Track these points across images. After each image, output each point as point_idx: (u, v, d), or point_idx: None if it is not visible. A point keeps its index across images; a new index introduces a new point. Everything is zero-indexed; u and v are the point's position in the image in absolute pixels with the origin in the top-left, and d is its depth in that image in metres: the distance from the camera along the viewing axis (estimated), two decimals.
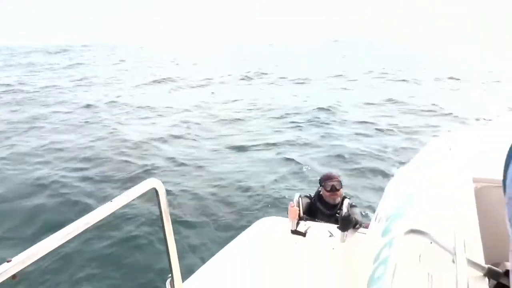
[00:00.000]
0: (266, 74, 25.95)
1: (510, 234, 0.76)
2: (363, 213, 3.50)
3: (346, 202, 3.30)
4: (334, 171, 4.31)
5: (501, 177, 1.01)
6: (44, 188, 7.49)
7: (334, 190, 3.71)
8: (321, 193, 3.81)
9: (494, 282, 1.04)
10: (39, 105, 16.04)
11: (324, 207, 3.76)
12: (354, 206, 3.73)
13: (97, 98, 17.25)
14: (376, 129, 11.45)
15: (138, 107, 15.42)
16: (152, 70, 29.39)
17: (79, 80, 24.07)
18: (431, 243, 1.13)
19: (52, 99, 17.49)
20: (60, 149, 9.92)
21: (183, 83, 22.13)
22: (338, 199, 3.74)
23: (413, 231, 1.15)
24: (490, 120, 11.03)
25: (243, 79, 24.17)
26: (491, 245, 1.24)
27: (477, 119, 11.74)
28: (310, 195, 3.93)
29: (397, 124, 11.89)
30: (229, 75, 25.67)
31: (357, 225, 3.29)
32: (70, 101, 16.83)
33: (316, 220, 3.62)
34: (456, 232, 1.12)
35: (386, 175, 7.58)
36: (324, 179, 3.80)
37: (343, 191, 3.80)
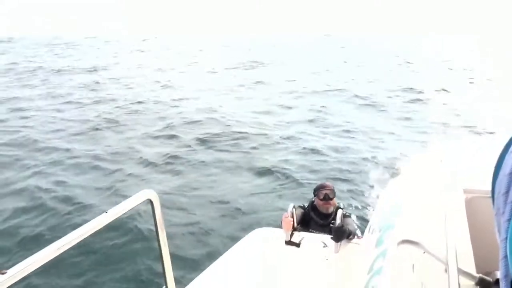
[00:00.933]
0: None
1: (499, 244, 0.78)
2: (358, 224, 3.52)
3: (339, 212, 3.31)
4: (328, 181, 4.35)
5: (490, 188, 1.04)
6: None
7: (327, 199, 3.73)
8: (314, 203, 3.83)
9: None
10: None
11: (317, 216, 3.77)
12: (348, 215, 3.72)
13: None
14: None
15: None
16: None
17: None
18: (423, 253, 1.15)
19: None
20: None
21: None
22: (332, 209, 3.76)
23: (405, 241, 1.17)
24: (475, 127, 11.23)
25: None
26: (482, 255, 1.26)
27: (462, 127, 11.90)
28: (304, 205, 3.95)
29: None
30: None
31: (351, 236, 3.31)
32: None
33: (310, 230, 3.63)
34: (448, 242, 1.14)
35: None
36: (318, 188, 3.83)
37: (336, 201, 3.82)
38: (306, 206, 3.92)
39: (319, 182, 4.12)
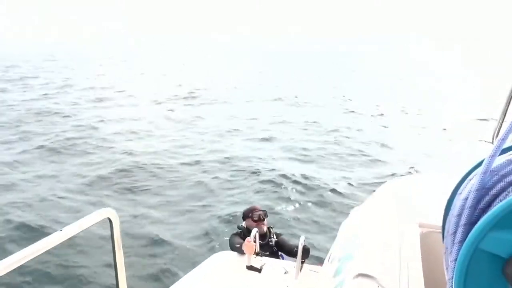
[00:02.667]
0: None
1: (447, 282, 0.81)
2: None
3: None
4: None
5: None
6: None
7: (262, 219, 3.86)
8: (245, 226, 3.91)
9: None
10: None
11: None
12: (280, 234, 3.95)
13: None
14: None
15: None
16: None
17: None
18: (378, 287, 1.18)
19: None
20: None
21: None
22: (265, 228, 3.87)
23: (361, 275, 1.20)
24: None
25: None
26: (432, 287, 1.30)
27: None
28: (237, 231, 3.96)
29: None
30: None
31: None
32: None
33: (260, 254, 3.61)
34: (401, 278, 1.18)
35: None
36: (250, 211, 3.95)
37: (267, 221, 3.92)
38: (240, 232, 3.94)
39: (246, 207, 4.22)
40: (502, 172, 0.74)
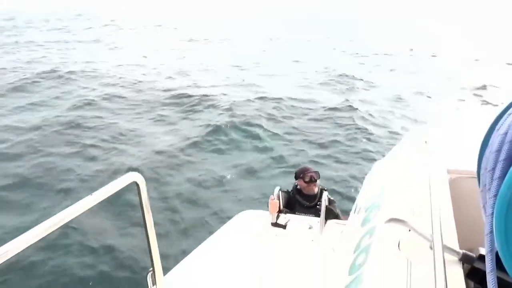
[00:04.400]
0: None
1: (484, 220, 0.80)
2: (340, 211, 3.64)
3: (324, 194, 3.38)
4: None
5: (473, 169, 1.07)
6: None
7: (313, 181, 3.81)
8: (298, 186, 3.89)
9: (469, 266, 1.09)
10: None
11: (303, 199, 3.84)
12: (333, 201, 3.79)
13: None
14: None
15: None
16: None
17: None
18: (409, 230, 1.17)
19: None
20: None
21: None
22: (316, 189, 3.85)
23: (392, 219, 1.20)
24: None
25: None
26: (465, 233, 1.29)
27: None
28: (287, 189, 4.00)
29: None
30: None
31: (337, 217, 3.40)
32: None
33: (296, 212, 3.70)
34: (433, 221, 1.17)
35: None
36: (302, 171, 3.91)
37: (319, 183, 3.90)
38: (290, 191, 3.98)
39: (300, 166, 4.22)
40: None
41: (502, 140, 0.77)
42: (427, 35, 28.81)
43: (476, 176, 1.00)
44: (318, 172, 3.92)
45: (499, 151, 0.77)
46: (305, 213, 3.70)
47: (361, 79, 15.93)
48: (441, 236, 1.11)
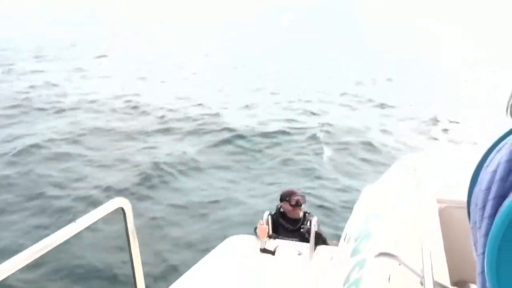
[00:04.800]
0: None
1: (476, 259, 0.78)
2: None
3: (314, 219, 3.34)
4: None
5: (463, 198, 1.06)
6: None
7: (299, 205, 3.74)
8: (281, 209, 3.81)
9: None
10: None
11: (287, 222, 3.76)
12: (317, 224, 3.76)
13: None
14: None
15: None
16: None
17: None
18: (399, 265, 1.16)
19: None
20: None
21: None
22: (301, 214, 3.78)
23: (382, 253, 1.18)
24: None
25: None
26: (455, 263, 1.28)
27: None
28: (271, 212, 3.91)
29: None
30: None
31: (325, 242, 3.36)
32: None
33: (280, 236, 3.59)
34: (423, 255, 1.15)
35: None
36: (288, 194, 3.81)
37: (304, 206, 3.83)
38: (273, 213, 3.90)
39: (285, 189, 4.12)
40: None
41: (491, 178, 0.77)
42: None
43: (465, 206, 0.99)
44: (304, 196, 3.84)
45: (488, 189, 0.77)
46: (289, 237, 3.62)
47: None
48: (432, 271, 1.09)
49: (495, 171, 0.80)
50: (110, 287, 5.02)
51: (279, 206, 3.85)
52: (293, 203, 3.73)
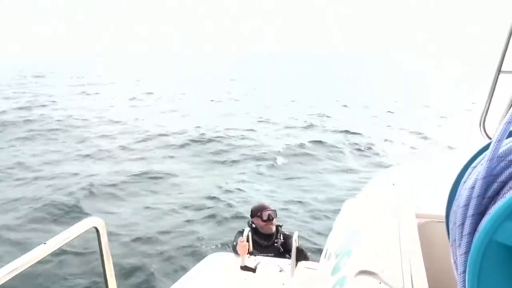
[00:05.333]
0: None
1: (457, 277, 0.77)
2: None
3: (295, 234, 3.31)
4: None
5: (441, 212, 1.05)
6: None
7: (271, 219, 3.69)
8: (253, 225, 3.75)
9: None
10: None
11: (260, 238, 3.71)
12: (289, 235, 3.72)
13: None
14: None
15: None
16: None
17: None
18: (380, 283, 1.14)
19: None
20: None
21: None
22: (274, 228, 3.73)
23: (362, 272, 1.16)
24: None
25: None
26: (435, 280, 1.27)
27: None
28: (242, 229, 3.84)
29: None
30: None
31: (306, 257, 3.33)
32: None
33: (254, 253, 3.52)
34: (403, 271, 1.14)
35: None
36: (259, 209, 3.75)
37: (276, 220, 3.77)
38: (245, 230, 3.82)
39: (256, 204, 4.05)
40: (510, 157, 0.69)
41: (469, 195, 0.77)
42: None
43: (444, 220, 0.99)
44: (275, 210, 3.77)
45: (466, 206, 0.76)
46: (264, 253, 3.57)
47: None
48: None
49: (472, 188, 0.80)
50: None
51: (250, 222, 3.79)
52: (265, 218, 3.68)
